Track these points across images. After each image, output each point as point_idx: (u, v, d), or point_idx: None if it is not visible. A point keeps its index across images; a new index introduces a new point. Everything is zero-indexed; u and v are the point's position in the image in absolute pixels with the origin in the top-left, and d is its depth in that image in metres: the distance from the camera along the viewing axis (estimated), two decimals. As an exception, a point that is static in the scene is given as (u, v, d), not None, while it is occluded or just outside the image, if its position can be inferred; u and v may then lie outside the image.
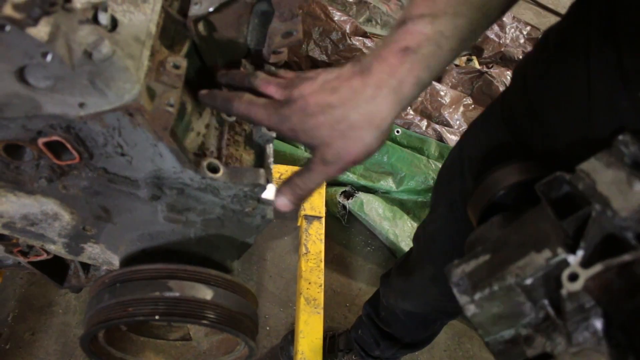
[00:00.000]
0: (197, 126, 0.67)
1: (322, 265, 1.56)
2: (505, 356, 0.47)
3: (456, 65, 2.54)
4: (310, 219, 1.67)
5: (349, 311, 1.81)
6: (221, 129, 0.70)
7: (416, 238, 1.15)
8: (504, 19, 2.72)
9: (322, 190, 1.76)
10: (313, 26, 2.20)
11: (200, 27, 0.63)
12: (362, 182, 2.01)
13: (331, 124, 0.53)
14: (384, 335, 1.37)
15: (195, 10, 0.61)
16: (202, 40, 0.64)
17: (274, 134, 0.73)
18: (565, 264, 0.41)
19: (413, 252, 1.18)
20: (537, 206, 0.47)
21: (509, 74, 2.55)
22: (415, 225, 1.96)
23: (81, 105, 0.51)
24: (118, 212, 0.68)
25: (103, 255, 0.79)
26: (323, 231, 1.64)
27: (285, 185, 0.60)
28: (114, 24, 0.52)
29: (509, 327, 0.47)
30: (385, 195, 2.04)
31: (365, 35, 2.28)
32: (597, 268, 0.39)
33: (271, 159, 0.71)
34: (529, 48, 2.74)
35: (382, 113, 0.53)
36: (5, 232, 0.73)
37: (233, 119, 0.72)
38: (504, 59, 2.70)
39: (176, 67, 0.56)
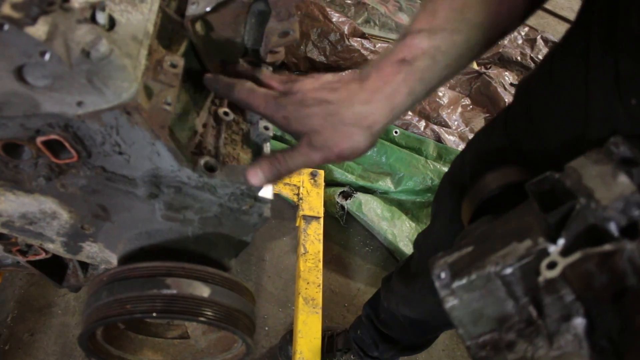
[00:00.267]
0: (194, 125, 0.67)
1: (321, 265, 1.56)
2: None
3: (454, 66, 2.55)
4: (308, 219, 1.67)
5: (348, 311, 1.81)
6: (218, 128, 0.70)
7: (417, 245, 1.16)
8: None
9: (321, 191, 1.77)
10: (311, 27, 2.21)
11: (198, 26, 0.63)
12: (361, 182, 2.01)
13: (324, 115, 0.56)
14: (383, 338, 1.38)
15: (192, 10, 0.62)
16: (200, 40, 0.64)
17: (271, 133, 0.74)
18: (545, 253, 0.41)
19: (414, 258, 1.18)
20: (524, 202, 0.47)
21: (507, 74, 2.56)
22: (414, 225, 1.96)
23: (79, 103, 0.51)
24: (116, 210, 0.69)
25: (101, 254, 0.79)
26: (321, 231, 1.64)
27: (265, 158, 0.61)
28: (112, 23, 0.53)
29: (490, 330, 0.46)
30: (383, 196, 2.05)
31: (363, 36, 2.29)
32: (576, 256, 0.39)
33: (268, 158, 0.71)
34: (527, 49, 2.75)
35: (374, 116, 0.56)
36: (4, 231, 0.73)
37: (231, 118, 0.72)
38: (502, 60, 2.71)
39: (173, 66, 0.57)
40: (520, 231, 0.44)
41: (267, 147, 0.73)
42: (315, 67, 2.23)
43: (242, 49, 0.69)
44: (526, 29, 2.79)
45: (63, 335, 1.55)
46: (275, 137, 1.97)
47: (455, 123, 2.29)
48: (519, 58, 2.67)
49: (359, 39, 2.24)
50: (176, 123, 0.62)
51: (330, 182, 2.01)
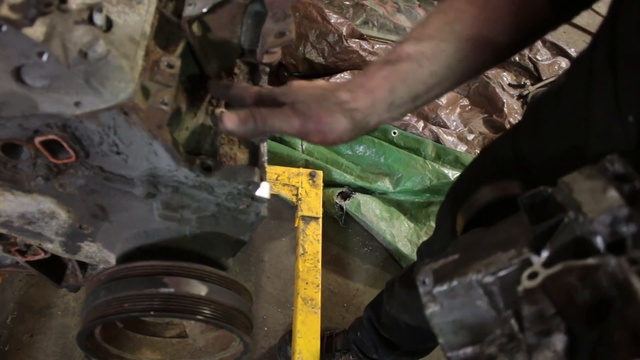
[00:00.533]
0: (191, 125, 0.68)
1: (320, 265, 1.57)
2: None
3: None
4: (307, 219, 1.67)
5: (347, 311, 1.82)
6: (215, 128, 0.71)
7: (419, 254, 1.17)
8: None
9: (319, 191, 1.77)
10: (310, 29, 2.21)
11: (195, 27, 0.64)
12: (359, 183, 2.02)
13: (313, 93, 0.59)
14: (384, 342, 1.38)
15: (189, 11, 0.62)
16: (197, 41, 0.65)
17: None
18: (529, 264, 0.41)
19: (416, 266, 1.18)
20: (515, 214, 0.47)
21: (505, 75, 2.56)
22: (413, 225, 1.97)
23: (77, 104, 0.52)
24: (114, 210, 0.69)
25: (100, 254, 0.80)
26: (320, 232, 1.65)
27: (246, 109, 0.62)
28: (109, 24, 0.53)
29: (472, 342, 0.45)
30: (382, 196, 2.05)
31: (361, 37, 2.29)
32: (557, 268, 0.38)
33: (265, 158, 0.72)
34: (525, 49, 2.75)
35: (356, 103, 0.58)
36: (3, 231, 0.74)
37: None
38: (500, 61, 2.71)
39: (170, 66, 0.57)
40: (506, 241, 0.44)
41: (263, 147, 0.74)
42: (313, 68, 2.24)
43: (238, 50, 0.69)
44: (524, 29, 2.79)
45: (63, 337, 1.55)
46: (273, 138, 1.98)
47: (454, 123, 2.29)
48: (517, 58, 2.68)
49: (357, 40, 2.24)
50: (173, 123, 0.63)
51: (329, 183, 2.01)
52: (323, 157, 2.03)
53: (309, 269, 1.55)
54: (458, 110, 2.35)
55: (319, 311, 1.46)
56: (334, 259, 1.94)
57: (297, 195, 1.76)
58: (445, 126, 2.26)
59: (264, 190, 0.68)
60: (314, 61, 2.21)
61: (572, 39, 2.90)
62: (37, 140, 0.56)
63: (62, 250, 0.79)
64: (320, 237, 1.63)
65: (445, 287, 0.45)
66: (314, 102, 0.59)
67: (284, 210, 1.98)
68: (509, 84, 2.53)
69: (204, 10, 0.62)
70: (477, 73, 0.63)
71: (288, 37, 0.66)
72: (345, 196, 1.98)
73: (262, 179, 0.67)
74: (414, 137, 2.11)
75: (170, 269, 0.65)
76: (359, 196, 1.97)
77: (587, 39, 2.99)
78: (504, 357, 0.42)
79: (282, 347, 1.63)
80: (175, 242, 0.72)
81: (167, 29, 0.62)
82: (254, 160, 0.72)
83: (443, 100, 2.30)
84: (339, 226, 2.01)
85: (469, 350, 0.45)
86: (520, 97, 2.51)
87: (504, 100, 2.39)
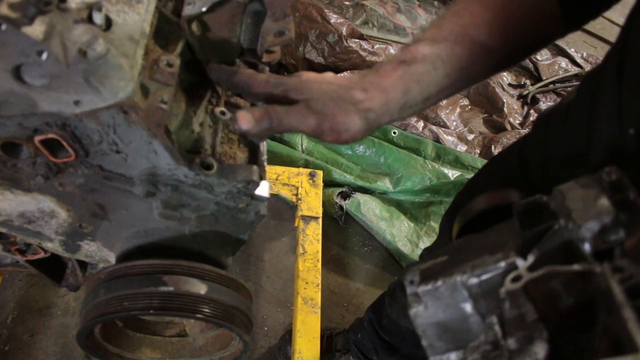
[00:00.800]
0: (191, 124, 0.68)
1: (320, 265, 1.57)
2: None
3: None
4: (307, 219, 1.68)
5: (347, 311, 1.82)
6: (215, 127, 0.71)
7: (422, 259, 1.17)
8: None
9: (319, 191, 1.77)
10: (310, 29, 2.22)
11: (194, 26, 0.64)
12: (359, 182, 2.02)
13: (328, 91, 0.58)
14: (384, 344, 1.38)
15: (188, 10, 0.62)
16: (196, 40, 0.65)
17: (267, 133, 0.74)
18: (514, 267, 0.41)
19: None
20: (507, 220, 0.47)
21: (505, 75, 2.56)
22: (412, 225, 1.97)
23: (76, 103, 0.52)
24: (114, 209, 0.69)
25: (99, 253, 0.80)
26: (320, 231, 1.65)
27: (260, 107, 0.59)
28: (109, 23, 0.53)
29: (455, 347, 0.45)
30: (382, 196, 2.05)
31: (361, 37, 2.30)
32: (541, 272, 0.38)
33: (264, 157, 0.72)
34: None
35: (370, 103, 0.58)
36: (3, 230, 0.74)
37: (227, 117, 0.73)
38: (500, 61, 2.71)
39: (169, 65, 0.57)
40: (495, 245, 0.43)
41: (263, 146, 0.74)
42: (313, 69, 2.24)
43: (238, 49, 0.69)
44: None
45: (63, 336, 1.56)
46: (273, 138, 1.98)
47: (454, 123, 2.30)
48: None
49: (357, 40, 2.25)
50: (173, 122, 0.63)
51: (329, 183, 2.01)
52: (323, 156, 2.04)
53: (309, 268, 1.55)
54: (458, 110, 2.35)
55: (319, 311, 1.47)
56: (334, 259, 1.94)
57: (297, 195, 1.76)
58: (445, 126, 2.26)
59: (263, 189, 0.68)
60: (314, 61, 2.21)
61: (572, 39, 2.90)
62: (37, 139, 0.57)
63: (62, 249, 0.79)
64: (320, 237, 1.63)
65: (429, 286, 0.44)
66: (329, 101, 0.57)
67: (283, 210, 1.98)
68: (509, 84, 2.54)
69: (203, 9, 0.62)
70: (487, 76, 0.63)
71: (287, 36, 0.67)
72: (345, 196, 1.98)
73: (262, 177, 0.67)
74: (414, 137, 2.11)
75: (170, 267, 0.65)
76: (358, 196, 1.97)
77: (588, 39, 3.00)
78: None
79: (282, 346, 1.63)
80: (174, 241, 0.72)
81: (166, 28, 0.62)
82: (254, 159, 0.72)
83: (443, 100, 2.30)
84: (339, 226, 2.01)
85: (452, 355, 0.45)
86: (520, 97, 2.51)
87: (504, 100, 2.39)
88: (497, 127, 2.35)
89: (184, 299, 0.64)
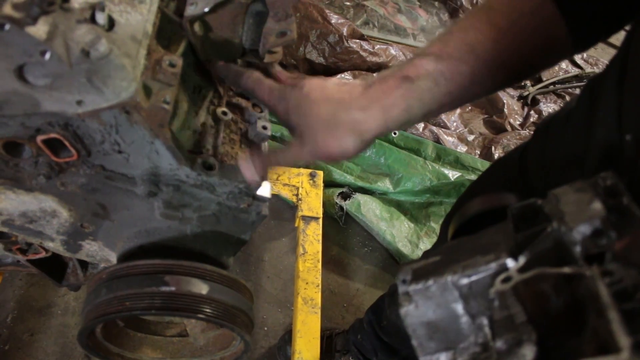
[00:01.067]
0: (193, 124, 0.68)
1: (320, 265, 1.57)
2: None
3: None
4: (307, 219, 1.68)
5: (347, 311, 1.82)
6: (217, 128, 0.71)
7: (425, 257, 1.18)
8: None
9: (320, 192, 1.77)
10: (310, 29, 2.22)
11: (196, 27, 0.64)
12: (360, 183, 2.02)
13: (321, 115, 0.58)
14: (384, 346, 1.38)
15: (191, 10, 0.63)
16: (198, 40, 0.65)
17: (269, 133, 0.74)
18: (505, 268, 0.41)
19: None
20: (501, 222, 0.47)
21: (505, 76, 2.56)
22: (413, 226, 1.97)
23: (79, 102, 0.52)
24: (115, 209, 0.69)
25: (101, 253, 0.80)
26: (320, 232, 1.65)
27: (258, 156, 0.64)
28: (111, 23, 0.53)
29: (446, 348, 0.45)
30: (382, 197, 2.06)
31: (362, 38, 2.30)
32: (531, 273, 0.38)
33: (266, 157, 0.72)
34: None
35: (368, 124, 0.58)
36: (5, 229, 0.74)
37: (229, 117, 0.73)
38: (500, 61, 2.71)
39: (172, 65, 0.57)
40: (488, 247, 0.43)
41: (265, 147, 0.74)
42: (314, 69, 2.24)
43: (240, 49, 0.69)
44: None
45: (63, 336, 1.56)
46: (273, 138, 1.98)
47: (454, 124, 2.30)
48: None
49: (357, 40, 2.25)
50: (175, 122, 0.63)
51: (329, 183, 2.01)
52: (323, 157, 2.03)
53: (309, 269, 1.55)
54: (458, 110, 2.35)
55: (319, 311, 1.47)
56: (334, 259, 1.94)
57: (297, 195, 1.76)
58: (445, 127, 2.26)
59: (265, 190, 0.68)
60: (315, 61, 2.21)
61: (572, 40, 2.89)
62: (39, 138, 0.57)
63: (63, 249, 0.80)
64: (320, 237, 1.63)
65: (420, 285, 0.44)
66: (323, 129, 0.58)
67: (284, 210, 1.98)
68: (509, 85, 2.54)
69: (206, 9, 0.62)
70: (489, 93, 0.63)
71: (289, 37, 0.67)
72: (345, 196, 1.98)
73: (264, 178, 0.67)
74: (414, 138, 2.11)
75: (172, 267, 0.65)
76: (359, 196, 1.97)
77: (588, 40, 3.00)
78: None
79: (282, 347, 1.63)
80: (176, 241, 0.72)
81: (168, 29, 0.62)
82: (255, 159, 0.72)
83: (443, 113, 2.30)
84: (339, 226, 2.01)
85: (442, 356, 0.45)
86: (520, 98, 2.51)
87: (504, 101, 2.39)
88: (497, 128, 2.36)
89: (186, 299, 0.64)
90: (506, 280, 0.40)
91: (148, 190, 0.64)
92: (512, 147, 1.90)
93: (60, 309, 1.61)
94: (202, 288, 0.65)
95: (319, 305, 1.48)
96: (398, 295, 0.47)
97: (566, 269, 0.37)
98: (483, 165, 2.07)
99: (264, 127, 0.75)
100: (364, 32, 2.39)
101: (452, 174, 2.01)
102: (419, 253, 1.90)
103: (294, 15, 0.65)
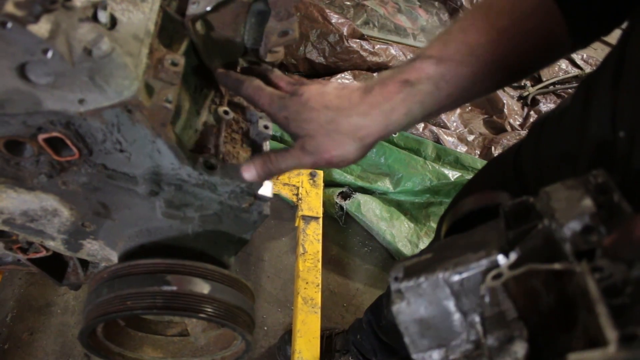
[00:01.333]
0: (194, 124, 0.68)
1: (320, 265, 1.57)
2: None
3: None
4: (307, 219, 1.68)
5: (346, 311, 1.82)
6: (218, 127, 0.71)
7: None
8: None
9: (320, 191, 1.77)
10: (310, 28, 2.22)
11: (198, 26, 0.64)
12: (360, 183, 2.02)
13: (322, 121, 0.58)
14: (383, 345, 1.38)
15: (193, 9, 0.62)
16: (200, 39, 0.65)
17: (270, 132, 0.74)
18: (496, 265, 0.41)
19: None
20: (494, 220, 0.47)
21: (505, 76, 2.57)
22: (413, 226, 1.97)
23: (81, 101, 0.52)
24: (117, 208, 0.69)
25: (102, 252, 0.80)
26: (320, 231, 1.65)
27: (259, 157, 0.64)
28: (113, 22, 0.53)
29: (438, 345, 0.45)
30: (382, 196, 2.06)
31: (362, 37, 2.30)
32: (521, 270, 0.38)
33: (268, 157, 0.72)
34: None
35: (369, 129, 0.58)
36: (5, 228, 0.74)
37: (231, 117, 0.73)
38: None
39: (174, 64, 0.57)
40: (479, 244, 0.43)
41: (266, 146, 0.74)
42: (314, 68, 2.24)
43: (242, 49, 0.69)
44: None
45: (62, 335, 1.55)
46: (274, 138, 1.98)
47: (454, 124, 2.30)
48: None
49: (358, 40, 2.25)
50: (177, 121, 0.63)
51: (329, 183, 2.01)
52: (323, 157, 2.04)
53: (309, 268, 1.55)
54: (458, 111, 2.35)
55: (319, 311, 1.47)
56: (334, 259, 1.94)
57: (297, 194, 1.76)
58: (445, 127, 2.27)
59: (266, 189, 0.68)
60: (315, 61, 2.21)
61: (572, 40, 2.89)
62: (41, 137, 0.56)
63: (64, 248, 0.79)
64: (320, 237, 1.63)
65: (412, 282, 0.44)
66: (324, 137, 0.58)
67: (284, 209, 1.98)
68: (509, 85, 2.54)
69: (208, 8, 0.62)
70: (489, 93, 0.63)
71: (291, 36, 0.66)
72: (345, 196, 1.98)
73: (265, 177, 0.67)
74: (415, 138, 2.11)
75: (173, 267, 0.65)
76: (359, 196, 1.97)
77: (588, 40, 3.00)
78: None
79: (282, 346, 1.63)
80: (177, 240, 0.72)
81: (170, 27, 0.62)
82: (257, 158, 0.72)
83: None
84: (339, 226, 2.01)
85: (434, 354, 0.45)
86: (520, 98, 2.52)
87: (504, 102, 2.40)
88: (497, 128, 2.36)
89: (188, 299, 0.64)
90: (497, 276, 0.40)
91: (149, 189, 0.64)
92: (512, 147, 1.91)
93: (60, 308, 1.61)
94: (203, 287, 0.65)
95: (319, 305, 1.48)
96: (390, 295, 0.47)
97: (556, 265, 0.37)
98: (483, 165, 2.07)
99: (266, 127, 0.75)
100: (364, 31, 2.39)
101: (452, 174, 2.02)
102: (419, 253, 1.90)
103: (296, 15, 0.65)
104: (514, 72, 0.61)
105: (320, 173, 1.82)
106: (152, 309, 0.63)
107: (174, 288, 0.63)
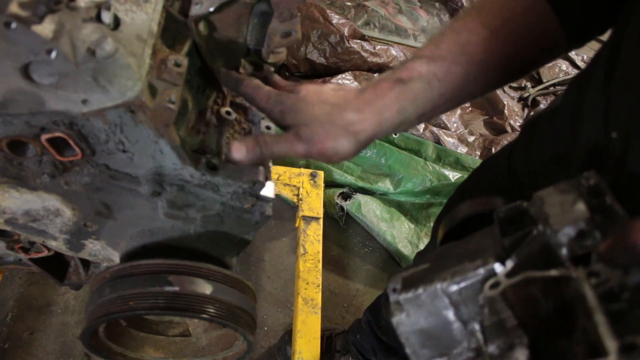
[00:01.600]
0: (197, 124, 0.68)
1: (320, 265, 1.57)
2: None
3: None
4: (308, 220, 1.68)
5: (347, 312, 1.82)
6: (221, 128, 0.71)
7: (415, 263, 1.18)
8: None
9: (320, 192, 1.77)
10: (311, 29, 2.22)
11: (201, 26, 0.64)
12: (360, 183, 2.02)
13: (316, 115, 0.59)
14: (382, 345, 1.38)
15: (196, 10, 0.62)
16: (203, 40, 0.65)
17: (272, 132, 0.75)
18: (493, 274, 0.41)
19: None
20: (488, 227, 0.47)
21: (506, 77, 2.57)
22: (413, 226, 1.97)
23: (84, 101, 0.52)
24: (119, 208, 0.69)
25: (103, 252, 0.80)
26: (321, 232, 1.65)
27: (251, 137, 0.64)
28: (117, 22, 0.53)
29: (440, 354, 0.45)
30: (382, 197, 2.06)
31: (363, 38, 2.30)
32: (518, 278, 0.38)
33: (270, 157, 0.72)
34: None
35: (362, 125, 0.59)
36: (8, 228, 0.74)
37: (233, 117, 0.73)
38: (501, 63, 2.72)
39: (177, 65, 0.57)
40: (476, 252, 0.43)
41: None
42: (315, 69, 2.24)
43: (244, 49, 0.69)
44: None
45: (62, 334, 1.55)
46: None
47: (455, 125, 2.30)
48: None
49: (358, 40, 2.25)
50: (179, 122, 0.63)
51: (329, 183, 2.01)
52: (324, 157, 2.03)
53: (310, 269, 1.55)
54: (459, 111, 2.35)
55: (319, 311, 1.47)
56: (334, 259, 1.94)
57: (298, 195, 1.76)
58: (445, 128, 2.27)
59: (269, 190, 0.68)
60: (316, 61, 2.21)
61: (572, 41, 2.90)
62: (44, 137, 0.57)
63: (65, 248, 0.79)
64: (320, 238, 1.63)
65: (410, 294, 0.44)
66: (319, 127, 0.59)
67: (284, 210, 1.98)
68: (510, 86, 2.54)
69: (211, 9, 0.62)
70: (483, 93, 0.63)
71: (294, 37, 0.67)
72: (346, 197, 1.98)
73: (267, 178, 0.67)
74: (415, 139, 2.11)
75: (175, 267, 0.65)
76: (359, 197, 1.98)
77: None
78: None
79: (282, 347, 1.63)
80: (179, 241, 0.72)
81: (173, 28, 0.62)
82: (259, 159, 0.72)
83: (438, 115, 2.30)
84: (340, 227, 2.01)
85: None
86: (520, 99, 2.52)
87: (505, 102, 2.40)
88: (497, 129, 2.36)
89: (190, 299, 0.64)
90: (494, 285, 0.40)
91: (152, 189, 0.64)
92: (513, 148, 1.91)
93: (60, 308, 1.61)
94: (205, 288, 0.65)
95: (319, 305, 1.48)
96: (389, 304, 0.47)
97: (553, 272, 0.37)
98: (483, 166, 2.07)
99: (268, 127, 0.75)
100: (364, 32, 2.39)
101: (453, 175, 2.02)
102: (419, 254, 1.90)
103: (298, 16, 0.65)
104: (509, 71, 0.61)
105: (321, 173, 1.82)
106: (155, 310, 0.63)
107: (176, 288, 0.64)
